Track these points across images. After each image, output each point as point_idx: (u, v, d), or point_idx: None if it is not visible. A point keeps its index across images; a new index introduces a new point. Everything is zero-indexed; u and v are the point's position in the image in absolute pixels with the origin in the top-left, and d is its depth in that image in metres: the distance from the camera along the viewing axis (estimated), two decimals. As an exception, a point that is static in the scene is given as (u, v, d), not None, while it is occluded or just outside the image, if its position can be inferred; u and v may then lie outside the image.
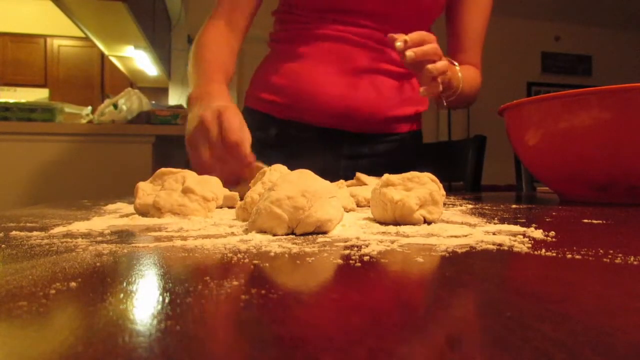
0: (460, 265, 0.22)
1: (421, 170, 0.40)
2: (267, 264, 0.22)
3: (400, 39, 0.68)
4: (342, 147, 0.94)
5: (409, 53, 0.68)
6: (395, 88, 0.94)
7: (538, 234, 0.30)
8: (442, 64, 0.73)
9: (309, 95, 0.87)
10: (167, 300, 0.16)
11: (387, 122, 0.95)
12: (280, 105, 0.90)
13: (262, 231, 0.31)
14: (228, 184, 0.64)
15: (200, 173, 0.63)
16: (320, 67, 0.89)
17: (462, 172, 1.29)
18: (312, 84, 0.88)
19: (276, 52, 0.96)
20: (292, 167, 0.53)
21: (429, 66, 0.71)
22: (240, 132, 0.62)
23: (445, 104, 0.86)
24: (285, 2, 0.94)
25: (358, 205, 0.54)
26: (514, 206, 0.55)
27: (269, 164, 0.64)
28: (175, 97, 4.30)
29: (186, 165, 0.65)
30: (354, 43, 0.89)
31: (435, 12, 0.94)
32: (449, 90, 0.82)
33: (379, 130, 0.95)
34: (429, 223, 0.37)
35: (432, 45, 0.71)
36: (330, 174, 0.48)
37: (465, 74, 0.85)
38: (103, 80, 5.24)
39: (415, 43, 0.69)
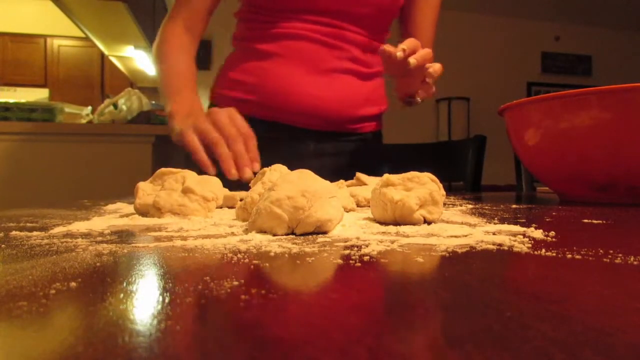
0: (460, 265, 0.22)
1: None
2: (267, 264, 0.22)
3: (398, 50, 0.70)
4: (309, 145, 0.96)
5: (412, 60, 0.70)
6: (361, 88, 0.97)
7: (538, 234, 0.30)
8: (438, 66, 0.75)
9: (278, 94, 0.89)
10: (167, 300, 0.16)
11: (353, 121, 0.97)
12: (248, 103, 0.91)
13: (262, 231, 0.31)
14: (231, 172, 0.66)
15: (200, 155, 0.68)
16: (288, 66, 0.90)
17: (462, 172, 1.29)
18: (281, 82, 0.90)
19: (242, 50, 0.97)
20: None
21: (431, 71, 0.74)
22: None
23: (419, 102, 0.89)
24: (247, 3, 0.95)
25: (358, 205, 0.54)
26: (514, 206, 0.55)
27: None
28: (175, 97, 4.28)
29: (186, 165, 0.66)
30: (320, 42, 0.91)
31: (396, 12, 0.98)
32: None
33: (345, 129, 0.98)
34: (429, 223, 0.37)
35: (427, 50, 0.73)
36: None
37: None
38: (103, 80, 5.24)
39: (412, 50, 0.71)
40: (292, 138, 0.94)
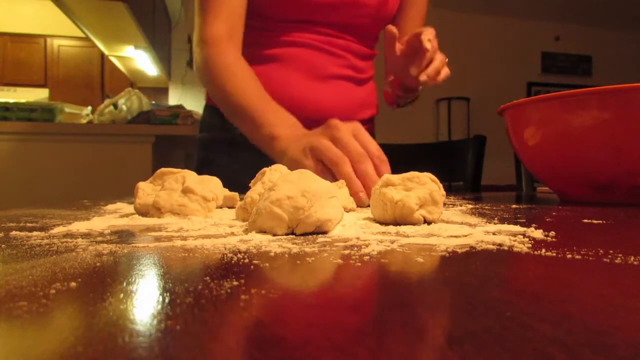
0: (460, 266, 0.22)
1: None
2: (267, 264, 0.22)
3: (425, 42, 0.74)
4: None
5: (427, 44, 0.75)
6: (357, 93, 1.01)
7: (538, 234, 0.30)
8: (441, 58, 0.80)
9: (282, 97, 0.89)
10: (167, 300, 0.16)
11: None
12: None
13: (262, 231, 0.31)
14: (359, 194, 0.57)
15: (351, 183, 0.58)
16: (289, 70, 0.94)
17: (462, 172, 1.29)
18: (283, 87, 0.93)
19: (245, 55, 0.97)
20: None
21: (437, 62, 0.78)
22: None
23: (406, 103, 0.98)
24: (251, 12, 0.96)
25: (358, 205, 0.54)
26: (514, 206, 0.55)
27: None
28: (175, 97, 4.30)
29: (186, 165, 0.65)
30: (318, 49, 0.95)
31: (389, 21, 1.02)
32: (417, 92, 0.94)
33: None
34: (429, 223, 0.37)
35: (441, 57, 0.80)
36: None
37: None
38: (103, 80, 5.24)
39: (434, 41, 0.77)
40: None
